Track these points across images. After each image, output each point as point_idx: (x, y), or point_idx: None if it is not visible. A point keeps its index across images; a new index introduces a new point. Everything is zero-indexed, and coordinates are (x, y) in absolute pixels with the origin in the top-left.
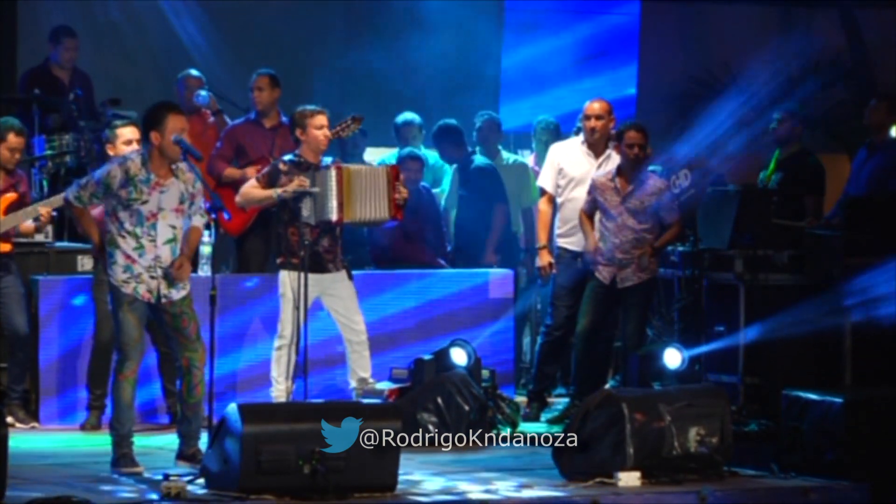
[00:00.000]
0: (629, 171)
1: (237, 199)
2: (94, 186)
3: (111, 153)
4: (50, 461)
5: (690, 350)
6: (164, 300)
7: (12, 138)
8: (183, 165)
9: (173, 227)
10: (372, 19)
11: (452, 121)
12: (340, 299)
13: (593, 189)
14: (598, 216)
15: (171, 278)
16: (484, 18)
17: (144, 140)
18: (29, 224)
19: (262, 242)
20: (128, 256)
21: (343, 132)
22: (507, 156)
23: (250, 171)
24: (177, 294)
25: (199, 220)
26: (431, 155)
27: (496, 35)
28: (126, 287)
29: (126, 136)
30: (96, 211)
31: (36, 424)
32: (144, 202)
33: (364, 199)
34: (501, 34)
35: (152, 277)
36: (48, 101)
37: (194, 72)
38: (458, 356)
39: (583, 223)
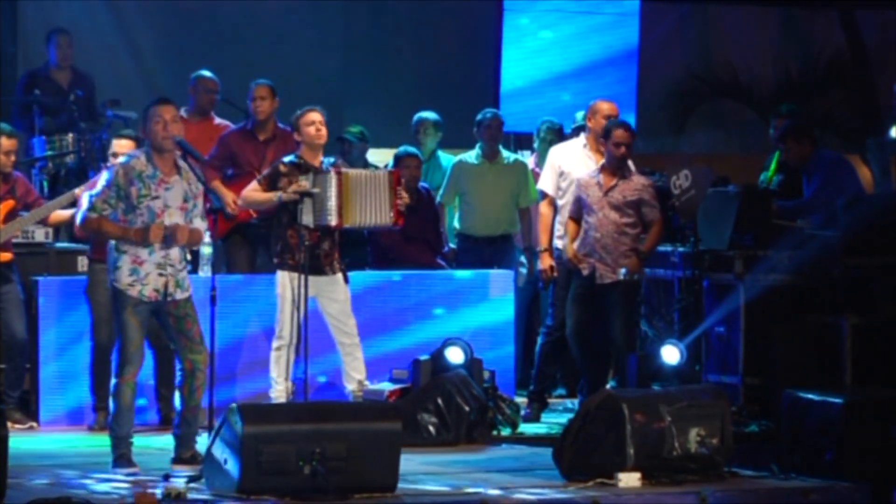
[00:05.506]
0: (614, 168)
1: (239, 202)
2: (105, 192)
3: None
4: (50, 461)
5: (687, 340)
6: (169, 299)
7: (5, 141)
8: (184, 165)
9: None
10: (372, 20)
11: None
12: (335, 302)
13: (578, 188)
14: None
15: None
16: (483, 18)
17: (146, 136)
18: (64, 213)
19: (247, 244)
20: (134, 259)
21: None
22: (506, 154)
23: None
24: (181, 294)
25: (199, 223)
26: (445, 157)
27: (495, 35)
28: (131, 290)
29: (114, 150)
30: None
31: (34, 424)
32: (154, 198)
33: (365, 205)
34: (500, 34)
35: (160, 275)
36: (48, 103)
37: (207, 73)
38: (454, 355)
39: (567, 229)
